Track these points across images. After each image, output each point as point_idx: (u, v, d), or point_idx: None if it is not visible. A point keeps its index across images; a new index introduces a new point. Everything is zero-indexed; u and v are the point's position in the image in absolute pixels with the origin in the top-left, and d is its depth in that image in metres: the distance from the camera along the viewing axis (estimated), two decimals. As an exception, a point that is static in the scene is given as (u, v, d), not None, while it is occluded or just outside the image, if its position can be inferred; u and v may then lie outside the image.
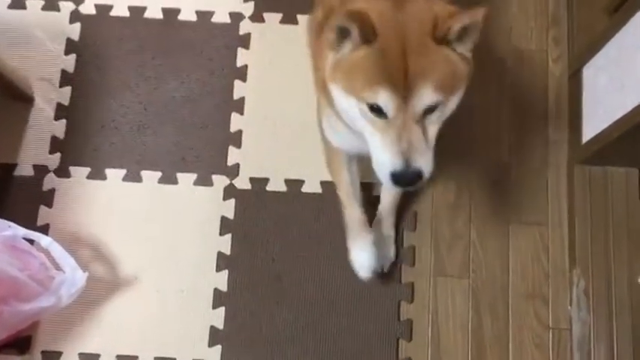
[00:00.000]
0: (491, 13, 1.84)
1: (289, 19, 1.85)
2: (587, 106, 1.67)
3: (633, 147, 1.54)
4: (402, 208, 1.69)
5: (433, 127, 1.07)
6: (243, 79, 1.81)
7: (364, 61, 1.03)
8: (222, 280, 1.66)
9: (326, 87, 1.13)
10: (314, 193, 1.71)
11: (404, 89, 1.01)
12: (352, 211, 1.54)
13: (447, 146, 1.70)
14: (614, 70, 1.54)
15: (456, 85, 1.07)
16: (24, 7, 1.87)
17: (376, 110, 1.04)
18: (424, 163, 1.04)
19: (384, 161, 1.05)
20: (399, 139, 1.02)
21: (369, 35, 1.02)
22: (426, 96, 1.02)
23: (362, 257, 1.55)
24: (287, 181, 1.72)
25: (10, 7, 1.87)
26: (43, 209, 1.70)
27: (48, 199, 1.71)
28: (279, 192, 1.71)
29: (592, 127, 1.62)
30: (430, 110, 1.04)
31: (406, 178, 1.04)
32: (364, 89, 1.03)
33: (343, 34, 1.04)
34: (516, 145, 1.75)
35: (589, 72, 1.67)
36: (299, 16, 1.83)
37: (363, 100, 1.04)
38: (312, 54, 1.29)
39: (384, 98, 1.01)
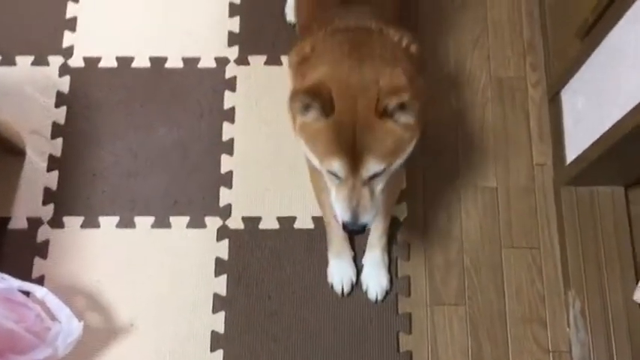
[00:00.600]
0: (470, 42, 1.90)
1: (273, 60, 1.90)
2: (568, 129, 1.71)
3: (615, 165, 1.57)
4: (395, 238, 1.70)
5: (379, 185, 1.23)
6: (231, 120, 1.85)
7: (323, 131, 1.18)
8: (219, 321, 1.65)
9: (297, 126, 1.25)
10: (306, 229, 1.72)
11: (353, 160, 1.17)
12: (334, 228, 1.63)
13: (434, 177, 1.77)
14: (590, 91, 1.58)
15: (399, 152, 1.21)
16: (14, 64, 1.91)
17: (333, 174, 1.21)
18: (369, 218, 1.23)
19: (337, 209, 1.24)
20: (350, 198, 1.21)
21: (328, 110, 1.16)
22: (371, 166, 1.18)
23: (338, 270, 1.65)
24: (279, 219, 1.74)
25: (0, 64, 1.91)
26: (37, 261, 1.71)
27: (42, 250, 1.72)
28: (271, 230, 1.73)
29: (574, 148, 1.65)
30: (376, 175, 1.20)
31: (354, 230, 1.23)
32: (323, 157, 1.20)
33: (306, 107, 1.17)
34: (502, 170, 1.77)
35: (567, 95, 1.72)
36: (283, 58, 1.88)
37: (322, 163, 1.21)
38: (290, 115, 1.35)
39: (337, 167, 1.18)
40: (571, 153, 1.67)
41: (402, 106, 1.13)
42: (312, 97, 1.14)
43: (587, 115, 1.60)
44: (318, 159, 1.22)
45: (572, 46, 1.63)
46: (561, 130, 1.73)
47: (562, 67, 1.71)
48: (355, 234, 1.37)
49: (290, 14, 1.88)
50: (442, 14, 1.94)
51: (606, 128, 1.45)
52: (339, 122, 1.17)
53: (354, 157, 1.17)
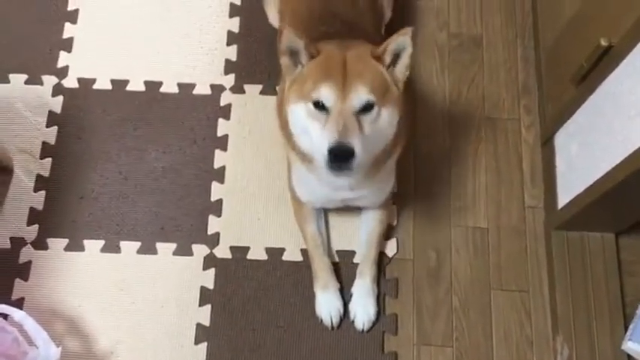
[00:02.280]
0: (468, 80, 1.91)
1: (269, 90, 1.90)
2: (561, 173, 1.71)
3: (607, 213, 1.57)
4: (384, 274, 1.69)
5: (367, 126, 1.24)
6: (224, 148, 1.83)
7: (311, 70, 1.27)
8: (201, 353, 1.61)
9: (287, 129, 1.34)
10: (294, 261, 1.70)
11: (342, 85, 1.22)
12: (319, 260, 1.64)
13: (425, 214, 1.76)
14: (584, 137, 1.59)
15: (387, 97, 1.27)
16: (7, 82, 1.90)
17: (320, 107, 1.23)
18: (357, 143, 1.21)
19: (323, 141, 1.22)
20: (337, 123, 1.21)
21: (313, 51, 1.26)
22: (361, 92, 1.22)
23: (326, 303, 1.63)
24: (267, 249, 1.72)
25: (-6, 81, 1.90)
26: (18, 282, 1.67)
27: (24, 272, 1.68)
28: (259, 260, 1.70)
29: (567, 193, 1.65)
30: (365, 110, 1.24)
31: (341, 151, 1.19)
32: (310, 90, 1.24)
33: (293, 56, 1.28)
34: (494, 211, 1.77)
35: (560, 139, 1.72)
36: (278, 88, 1.88)
37: (310, 99, 1.24)
38: (279, 117, 1.42)
39: (325, 91, 1.22)
40: (563, 197, 1.67)
41: (395, 57, 1.27)
42: (297, 38, 1.25)
43: (580, 160, 1.60)
44: (305, 100, 1.25)
45: (567, 91, 1.64)
46: (554, 174, 1.73)
47: (556, 111, 1.72)
48: (342, 162, 1.20)
49: (274, 20, 1.88)
50: (439, 52, 1.96)
51: (599, 176, 1.45)
52: (327, 58, 1.27)
53: (343, 81, 1.22)
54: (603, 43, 1.41)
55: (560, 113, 1.69)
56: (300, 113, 1.28)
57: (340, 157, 1.20)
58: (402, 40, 1.26)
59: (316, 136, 1.25)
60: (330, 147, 1.20)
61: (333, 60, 1.26)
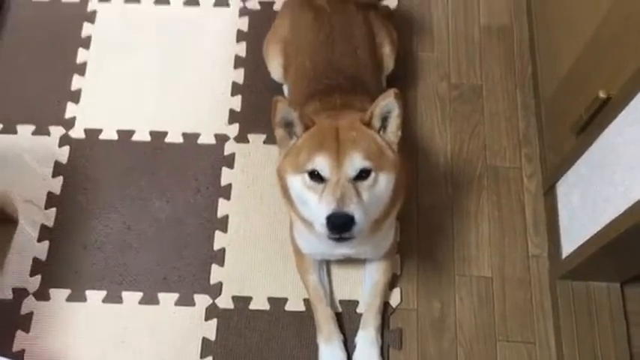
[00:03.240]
0: (470, 132, 1.93)
1: (272, 139, 1.91)
2: (564, 222, 1.71)
3: (611, 263, 1.56)
4: (388, 324, 1.67)
5: (365, 193, 1.23)
6: (227, 197, 1.84)
7: (305, 141, 1.28)
8: (202, 407, 1.59)
9: (288, 194, 1.33)
10: (297, 312, 1.69)
11: (337, 154, 1.22)
12: (321, 311, 1.62)
13: (429, 263, 1.75)
14: (585, 187, 1.59)
15: (383, 162, 1.27)
16: (15, 132, 1.93)
17: (316, 177, 1.23)
18: (356, 209, 1.19)
19: (321, 210, 1.21)
20: (334, 192, 1.21)
21: (307, 122, 1.28)
22: (355, 159, 1.22)
23: (330, 356, 1.60)
24: (270, 299, 1.71)
25: (2, 132, 1.93)
26: (19, 334, 1.66)
27: (25, 323, 1.67)
28: (262, 310, 1.69)
29: (570, 242, 1.64)
30: (361, 177, 1.23)
31: (340, 219, 1.18)
32: (306, 161, 1.24)
33: (287, 128, 1.30)
34: (497, 260, 1.76)
35: (562, 189, 1.73)
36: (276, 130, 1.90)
37: (305, 170, 1.24)
38: (279, 180, 1.41)
39: (320, 161, 1.22)
40: (567, 247, 1.66)
41: (384, 120, 1.28)
42: (291, 111, 1.27)
43: (582, 210, 1.60)
44: (301, 171, 1.25)
45: (568, 140, 1.66)
46: (557, 223, 1.73)
47: (557, 160, 1.74)
48: (342, 229, 1.19)
49: (275, 74, 1.90)
50: (440, 103, 1.98)
51: (602, 226, 1.45)
52: (321, 129, 1.27)
53: (337, 151, 1.22)
54: (602, 94, 1.43)
55: (562, 163, 1.70)
56: (297, 185, 1.28)
57: (340, 225, 1.19)
58: (386, 103, 1.26)
59: (314, 206, 1.24)
60: (328, 215, 1.19)
61: (325, 130, 1.27)
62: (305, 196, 1.27)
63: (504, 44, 2.05)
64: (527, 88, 1.98)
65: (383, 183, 1.27)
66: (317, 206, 1.23)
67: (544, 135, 1.86)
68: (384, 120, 1.30)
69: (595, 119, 1.50)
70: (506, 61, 2.03)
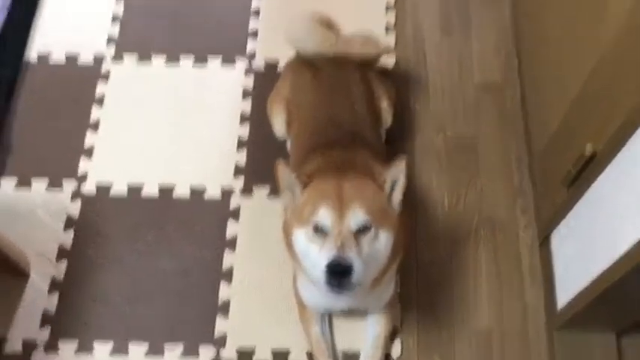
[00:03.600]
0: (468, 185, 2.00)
1: (276, 192, 1.98)
2: (559, 273, 1.75)
3: (606, 313, 1.60)
4: (388, 377, 1.70)
5: (365, 245, 1.29)
6: (233, 249, 1.90)
7: (309, 196, 1.34)
8: None
9: (292, 248, 1.38)
10: (300, 364, 1.73)
11: (340, 207, 1.28)
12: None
13: (428, 316, 1.79)
14: (578, 238, 1.65)
15: (384, 220, 1.32)
16: (29, 186, 2.01)
17: (319, 231, 1.28)
18: (355, 258, 1.24)
19: (322, 258, 1.26)
20: (335, 241, 1.26)
21: (305, 181, 1.35)
22: (358, 212, 1.28)
23: None
24: (273, 351, 1.74)
25: (16, 186, 2.01)
26: (28, 386, 1.70)
27: (33, 376, 1.72)
28: (265, 363, 1.73)
29: (565, 293, 1.68)
30: (362, 231, 1.28)
31: (339, 267, 1.23)
32: (309, 214, 1.30)
33: (291, 190, 1.36)
34: (495, 312, 1.80)
35: (556, 240, 1.78)
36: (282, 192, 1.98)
37: (309, 224, 1.30)
38: (284, 236, 1.48)
39: (323, 213, 1.28)
40: (562, 298, 1.70)
41: (392, 183, 1.34)
42: (290, 177, 1.34)
43: (576, 261, 1.65)
44: (305, 226, 1.31)
45: (559, 192, 1.72)
46: (552, 274, 1.77)
47: (550, 212, 1.79)
48: (341, 277, 1.24)
49: (278, 131, 1.97)
50: (437, 155, 2.06)
51: (593, 277, 1.49)
52: (324, 183, 1.35)
53: (340, 204, 1.28)
54: (588, 151, 1.50)
55: (555, 215, 1.76)
56: (301, 239, 1.34)
57: (338, 273, 1.24)
58: (397, 170, 1.35)
59: (315, 257, 1.30)
60: (328, 263, 1.24)
61: (329, 185, 1.34)
62: (308, 249, 1.33)
63: (497, 100, 2.14)
64: (520, 143, 2.06)
65: (383, 239, 1.33)
66: (318, 256, 1.29)
67: (537, 188, 1.92)
68: (392, 185, 1.38)
69: (583, 174, 1.56)
70: (500, 116, 2.12)
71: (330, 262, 1.24)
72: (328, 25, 1.88)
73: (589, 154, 1.50)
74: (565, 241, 1.72)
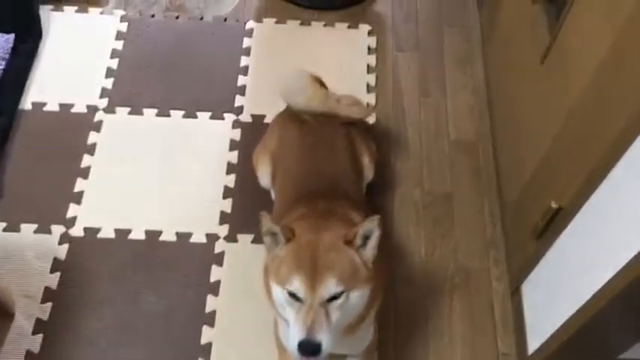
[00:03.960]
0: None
1: (260, 239, 2.01)
2: (530, 321, 1.84)
3: (573, 358, 1.67)
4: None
5: (336, 312, 1.36)
6: (216, 293, 1.96)
7: (287, 256, 1.39)
8: None
9: (270, 292, 1.44)
10: (280, 405, 1.76)
11: (312, 279, 1.34)
12: None
13: (404, 356, 1.85)
14: (547, 287, 1.74)
15: (356, 282, 1.39)
16: (18, 230, 2.05)
17: (293, 296, 1.35)
18: (324, 337, 1.33)
19: (294, 333, 1.35)
20: (306, 317, 1.33)
21: (289, 234, 1.40)
22: (329, 285, 1.34)
23: None
24: (254, 395, 1.78)
25: (5, 229, 2.05)
26: None
27: (13, 417, 1.72)
28: (245, 406, 1.76)
29: (535, 340, 1.76)
30: (334, 298, 1.35)
31: (308, 347, 1.32)
32: (284, 278, 1.36)
33: (273, 237, 1.42)
34: (469, 357, 1.87)
35: (527, 289, 1.88)
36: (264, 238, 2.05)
37: (284, 287, 1.36)
38: (265, 279, 1.54)
39: (296, 285, 1.34)
40: (532, 344, 1.78)
41: (365, 239, 1.39)
42: (274, 225, 1.40)
43: (545, 308, 1.74)
44: (281, 286, 1.37)
45: (529, 244, 1.83)
46: (523, 322, 1.85)
47: (521, 263, 1.90)
48: (310, 354, 1.34)
49: (263, 181, 2.06)
50: (415, 208, 2.16)
51: (560, 323, 1.58)
52: (301, 245, 1.39)
53: (313, 275, 1.34)
54: (554, 205, 1.62)
55: (525, 265, 1.86)
56: (277, 294, 1.41)
57: (308, 352, 1.33)
58: (369, 226, 1.40)
59: (290, 323, 1.37)
60: (299, 342, 1.33)
61: (304, 249, 1.39)
62: (283, 306, 1.41)
63: (471, 157, 2.28)
64: (493, 197, 2.18)
65: (354, 299, 1.39)
66: (292, 325, 1.36)
67: (509, 239, 2.03)
68: (365, 239, 1.42)
69: (550, 226, 1.68)
70: (473, 171, 2.25)
71: (301, 343, 1.33)
72: (320, 83, 2.01)
73: (555, 208, 1.62)
74: (535, 290, 1.82)
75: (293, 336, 1.35)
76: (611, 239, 1.40)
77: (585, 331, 1.52)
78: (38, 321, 1.88)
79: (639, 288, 1.31)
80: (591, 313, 1.46)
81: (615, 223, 1.38)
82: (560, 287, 1.65)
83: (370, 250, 1.43)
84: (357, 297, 1.40)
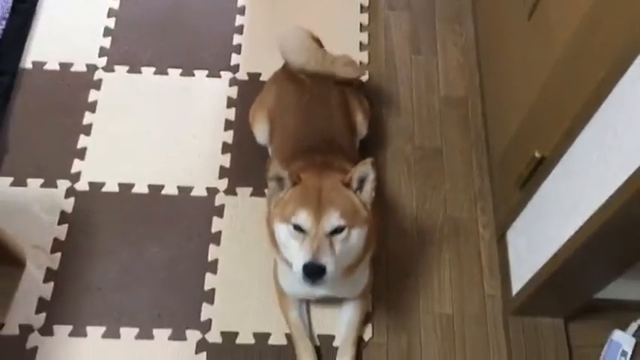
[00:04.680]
0: (431, 187, 2.20)
1: (258, 192, 2.15)
2: (513, 265, 1.95)
3: (552, 298, 1.80)
4: (361, 357, 1.86)
5: (338, 245, 1.47)
6: (217, 243, 2.05)
7: (292, 195, 1.51)
8: None
9: (274, 239, 1.55)
10: (279, 345, 1.88)
11: (317, 212, 1.45)
12: (302, 343, 1.80)
13: (397, 302, 1.97)
14: (529, 233, 1.85)
15: (356, 219, 1.51)
16: (25, 185, 2.13)
17: (298, 229, 1.46)
18: (328, 261, 1.43)
19: (299, 258, 1.45)
20: (311, 244, 1.44)
21: (295, 178, 1.51)
22: (333, 218, 1.45)
23: None
24: (255, 334, 1.89)
25: (12, 184, 2.13)
26: (23, 367, 1.81)
27: (30, 357, 1.83)
28: (247, 344, 1.88)
29: (518, 282, 1.88)
30: (337, 231, 1.46)
31: (313, 269, 1.42)
32: (291, 213, 1.47)
33: (279, 182, 1.53)
34: (458, 299, 1.99)
35: (511, 236, 1.99)
36: (267, 190, 2.14)
37: (290, 222, 1.47)
38: (267, 226, 1.65)
39: (302, 217, 1.45)
40: (516, 286, 1.90)
41: (361, 182, 1.51)
42: (283, 170, 1.51)
43: (527, 253, 1.86)
44: (287, 222, 1.47)
45: (514, 194, 1.93)
46: (508, 266, 1.97)
47: (506, 212, 2.00)
48: (315, 277, 1.43)
49: (259, 138, 2.14)
50: (406, 162, 2.25)
51: (541, 264, 1.70)
52: (307, 186, 1.51)
53: (318, 209, 1.45)
54: (537, 154, 1.71)
55: (510, 213, 1.97)
56: (282, 232, 1.51)
57: (313, 274, 1.43)
58: (363, 169, 1.51)
59: (295, 253, 1.47)
60: (304, 264, 1.43)
61: (310, 189, 1.50)
62: (288, 242, 1.50)
63: (461, 112, 2.36)
64: (481, 151, 2.27)
65: (355, 237, 1.51)
66: (297, 254, 1.46)
67: (495, 190, 2.13)
68: (361, 182, 1.54)
69: (533, 176, 1.78)
70: (463, 126, 2.33)
71: (306, 265, 1.43)
72: (318, 43, 2.07)
73: (539, 157, 1.71)
74: (519, 236, 1.93)
75: (298, 260, 1.44)
76: (588, 186, 1.50)
77: (563, 272, 1.63)
78: (48, 270, 1.97)
79: (611, 229, 1.42)
80: (568, 254, 1.57)
81: (592, 170, 1.48)
82: (541, 233, 1.76)
83: (367, 192, 1.55)
84: (357, 236, 1.50)
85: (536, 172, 1.76)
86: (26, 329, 1.87)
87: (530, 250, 1.83)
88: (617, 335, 1.85)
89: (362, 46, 2.51)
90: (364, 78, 2.41)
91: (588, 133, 1.49)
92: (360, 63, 2.44)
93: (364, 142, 2.15)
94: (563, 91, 1.63)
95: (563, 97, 1.62)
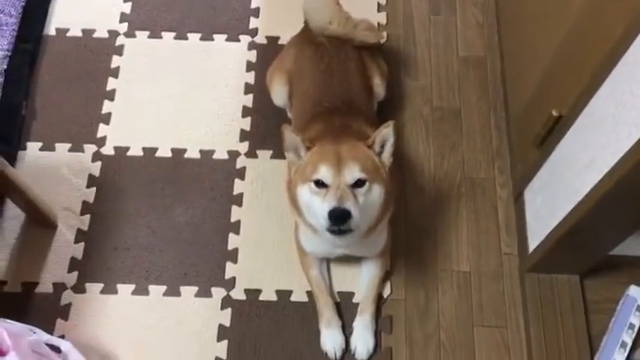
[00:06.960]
0: (449, 147, 2.22)
1: (278, 155, 2.19)
2: (530, 223, 1.98)
3: (567, 256, 1.83)
4: (380, 312, 1.92)
5: (361, 197, 1.50)
6: (239, 204, 2.11)
7: (311, 157, 1.55)
8: (218, 384, 1.83)
9: (295, 202, 1.60)
10: (301, 302, 1.94)
11: (338, 165, 1.49)
12: (322, 299, 1.87)
13: (415, 260, 2.02)
14: (546, 191, 1.87)
15: (376, 176, 1.54)
16: (53, 150, 2.20)
17: (320, 184, 1.49)
18: (353, 207, 1.46)
19: (324, 207, 1.47)
20: (335, 193, 1.48)
21: (308, 145, 1.56)
22: (354, 170, 1.49)
23: (330, 338, 1.84)
24: (277, 292, 1.96)
25: (41, 149, 2.20)
26: (59, 322, 1.91)
27: (64, 312, 1.92)
28: (270, 301, 1.95)
29: (535, 239, 1.91)
30: (358, 185, 1.49)
31: (339, 213, 1.44)
32: (311, 172, 1.51)
33: (295, 151, 1.58)
34: (475, 257, 2.03)
35: (528, 195, 2.01)
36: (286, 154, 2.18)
37: (312, 179, 1.50)
38: (288, 192, 1.70)
39: (324, 171, 1.49)
40: (532, 244, 1.93)
41: (382, 144, 1.55)
42: (295, 136, 1.55)
43: (544, 211, 1.88)
44: (308, 181, 1.51)
45: (531, 153, 1.94)
46: (524, 224, 2.00)
47: (524, 171, 2.02)
48: (341, 222, 1.45)
49: (277, 100, 2.17)
50: (424, 123, 2.27)
51: (556, 223, 1.72)
52: (325, 147, 1.55)
53: (339, 163, 1.49)
54: (554, 113, 1.72)
55: (527, 172, 1.98)
56: (304, 193, 1.54)
57: (339, 218, 1.45)
58: (386, 132, 1.55)
59: (318, 207, 1.50)
60: (329, 210, 1.45)
61: (329, 147, 1.55)
62: (311, 201, 1.54)
63: (479, 72, 2.36)
64: (499, 110, 2.28)
65: (376, 192, 1.54)
66: (321, 206, 1.50)
67: (513, 150, 2.15)
68: (382, 146, 1.58)
69: (551, 134, 1.79)
70: (481, 87, 2.33)
71: (332, 210, 1.46)
72: (339, 5, 2.07)
73: (556, 116, 1.72)
74: (536, 195, 1.95)
75: (323, 210, 1.47)
76: (604, 143, 1.51)
77: (579, 229, 1.66)
78: (79, 231, 2.06)
79: (627, 186, 1.43)
80: (584, 211, 1.59)
81: (608, 128, 1.49)
82: (557, 191, 1.78)
83: (387, 155, 1.59)
84: (377, 192, 1.54)
85: (554, 130, 1.77)
86: (60, 287, 1.96)
87: (547, 208, 1.85)
88: (634, 290, 1.88)
89: (380, 7, 2.50)
90: (382, 40, 2.41)
91: (605, 90, 1.50)
92: (378, 24, 2.44)
93: (382, 104, 2.17)
94: (581, 49, 1.63)
95: (581, 56, 1.62)
